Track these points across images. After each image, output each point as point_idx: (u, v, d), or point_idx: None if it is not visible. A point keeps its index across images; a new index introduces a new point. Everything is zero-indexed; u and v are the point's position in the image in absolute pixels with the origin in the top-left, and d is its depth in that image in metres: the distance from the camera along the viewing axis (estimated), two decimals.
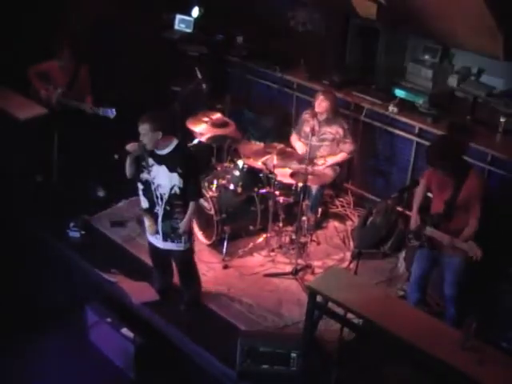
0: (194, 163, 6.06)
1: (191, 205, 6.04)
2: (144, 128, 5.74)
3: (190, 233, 6.21)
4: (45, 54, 7.84)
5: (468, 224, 5.65)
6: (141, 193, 6.17)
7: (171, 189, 5.95)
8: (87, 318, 6.75)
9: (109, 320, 6.56)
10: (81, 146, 8.09)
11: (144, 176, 6.04)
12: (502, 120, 7.32)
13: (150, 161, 5.94)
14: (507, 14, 6.40)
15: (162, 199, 6.03)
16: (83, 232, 7.52)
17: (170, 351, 6.44)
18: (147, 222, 6.25)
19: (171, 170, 5.89)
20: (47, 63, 7.87)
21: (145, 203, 6.18)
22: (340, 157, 7.61)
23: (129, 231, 7.66)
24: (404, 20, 7.35)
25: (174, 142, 5.93)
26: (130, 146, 5.85)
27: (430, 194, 6.05)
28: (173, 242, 6.19)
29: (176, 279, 6.70)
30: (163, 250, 6.32)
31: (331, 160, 7.54)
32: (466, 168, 5.68)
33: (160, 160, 5.92)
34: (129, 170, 6.01)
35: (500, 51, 6.70)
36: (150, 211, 6.15)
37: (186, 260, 6.44)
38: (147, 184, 6.05)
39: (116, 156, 5.97)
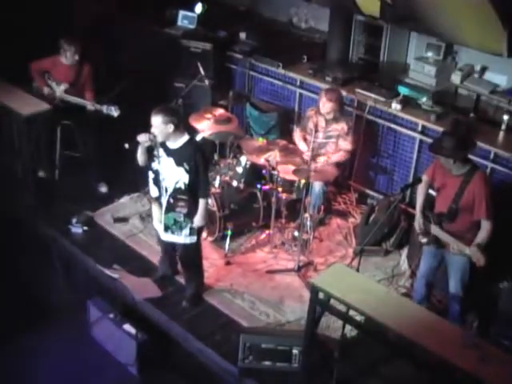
0: (203, 161, 6.07)
1: (201, 203, 6.08)
2: (156, 120, 5.80)
3: (193, 228, 6.21)
4: (48, 49, 7.83)
5: (473, 224, 5.66)
6: (151, 181, 6.22)
7: (176, 183, 5.99)
8: (89, 314, 6.77)
9: (111, 316, 6.59)
10: (83, 142, 8.10)
11: (154, 165, 6.10)
12: (506, 117, 7.31)
13: (161, 151, 6.01)
14: (511, 10, 6.39)
15: (166, 191, 6.08)
16: (85, 228, 7.52)
17: (172, 347, 6.45)
18: (156, 209, 6.32)
19: (178, 164, 5.94)
20: (50, 59, 7.85)
21: (154, 192, 6.24)
22: (339, 156, 7.59)
23: (131, 227, 7.67)
24: (407, 17, 7.34)
25: (186, 138, 5.99)
26: (140, 137, 5.90)
27: (432, 192, 6.04)
28: (173, 233, 6.23)
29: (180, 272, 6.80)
30: (165, 240, 6.40)
31: (332, 159, 7.52)
32: (472, 168, 5.67)
33: (169, 153, 5.98)
34: (140, 158, 6.08)
35: (504, 48, 6.68)
36: (159, 200, 6.22)
37: (188, 253, 6.45)
38: (157, 173, 6.11)
39: (126, 145, 6.00)
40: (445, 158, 5.63)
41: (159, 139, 5.90)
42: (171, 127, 5.82)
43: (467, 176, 5.60)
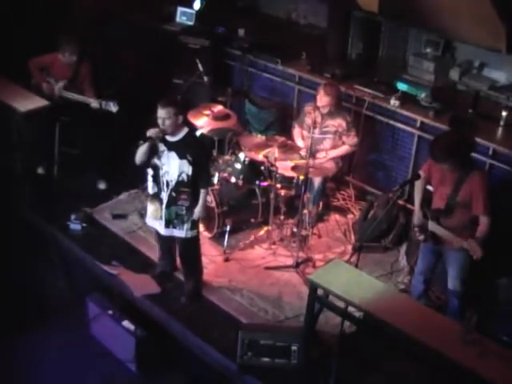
0: (204, 151, 6.16)
1: (202, 193, 6.09)
2: (167, 112, 5.79)
3: (194, 222, 6.23)
4: (47, 45, 7.82)
5: (470, 220, 5.67)
6: (150, 178, 6.23)
7: (179, 175, 6.01)
8: (88, 310, 6.76)
9: (110, 312, 6.59)
10: (82, 139, 8.10)
11: (153, 161, 6.10)
12: (504, 113, 7.29)
13: (161, 146, 6.02)
14: (510, 6, 6.39)
15: (167, 186, 6.08)
16: (84, 224, 7.51)
17: (171, 344, 6.45)
18: (152, 206, 6.31)
19: (181, 156, 5.95)
20: (49, 56, 7.85)
21: (153, 188, 6.24)
22: (342, 150, 7.60)
23: (130, 224, 7.65)
24: (406, 13, 7.33)
25: (185, 130, 6.01)
26: (151, 132, 5.88)
27: (429, 188, 6.04)
28: (174, 228, 6.23)
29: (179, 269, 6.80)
30: (166, 236, 6.38)
31: (333, 153, 7.54)
32: (471, 166, 5.68)
33: (170, 146, 5.99)
34: (141, 156, 6.04)
35: (502, 44, 6.68)
36: (157, 196, 6.21)
37: (189, 248, 6.46)
38: (157, 169, 6.11)
39: (141, 142, 5.93)
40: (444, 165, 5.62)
41: (168, 131, 5.89)
42: (181, 118, 5.87)
43: (464, 172, 5.60)
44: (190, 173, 5.98)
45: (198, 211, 6.13)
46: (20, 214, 7.65)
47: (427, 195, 6.03)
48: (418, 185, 6.04)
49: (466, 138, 5.79)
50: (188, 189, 6.05)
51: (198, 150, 6.00)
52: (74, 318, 6.87)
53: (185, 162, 5.95)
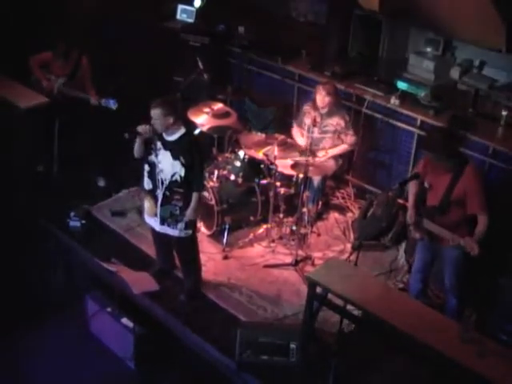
0: (198, 155, 6.08)
1: (194, 196, 6.08)
2: (156, 112, 5.84)
3: (189, 221, 6.21)
4: (46, 43, 7.82)
5: (465, 218, 5.67)
6: (146, 174, 6.24)
7: (172, 176, 6.01)
8: (87, 307, 6.77)
9: (109, 310, 6.59)
10: (82, 136, 8.09)
11: (151, 158, 6.11)
12: (504, 113, 7.29)
13: (158, 144, 6.03)
14: (510, 5, 6.38)
15: (162, 184, 6.09)
16: (84, 221, 7.50)
17: (170, 341, 6.45)
18: (147, 203, 6.31)
19: (175, 157, 5.95)
20: (49, 53, 7.86)
21: (148, 185, 6.25)
22: (341, 148, 7.60)
23: (129, 221, 7.66)
24: (406, 11, 7.33)
25: (182, 131, 6.01)
26: (141, 128, 5.93)
27: (426, 185, 6.04)
28: (168, 226, 6.23)
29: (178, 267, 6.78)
30: (161, 233, 6.37)
31: (332, 152, 7.53)
32: (463, 162, 5.68)
33: (166, 145, 6.00)
34: (137, 150, 6.10)
35: (502, 43, 6.68)
36: (152, 193, 6.21)
37: (184, 247, 6.46)
38: (153, 166, 6.12)
39: (126, 135, 5.99)
40: (433, 154, 5.65)
41: (159, 131, 5.92)
42: (171, 119, 5.85)
43: (458, 170, 5.61)
44: (182, 174, 5.98)
45: (188, 214, 6.13)
46: (19, 211, 7.64)
47: (423, 193, 6.03)
48: (412, 183, 6.04)
49: (454, 134, 5.84)
50: (181, 189, 6.06)
51: (191, 153, 5.98)
52: (73, 315, 6.88)
53: (178, 163, 5.95)
